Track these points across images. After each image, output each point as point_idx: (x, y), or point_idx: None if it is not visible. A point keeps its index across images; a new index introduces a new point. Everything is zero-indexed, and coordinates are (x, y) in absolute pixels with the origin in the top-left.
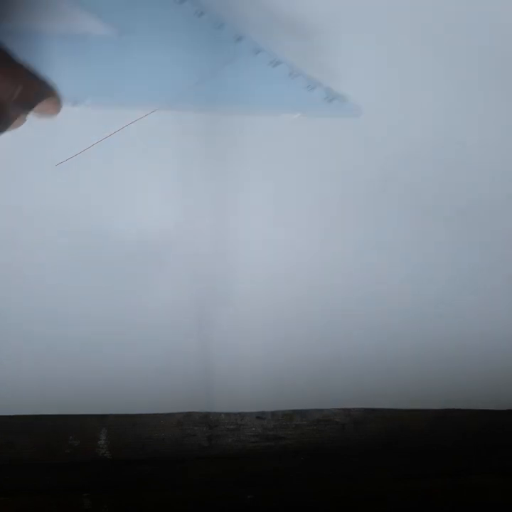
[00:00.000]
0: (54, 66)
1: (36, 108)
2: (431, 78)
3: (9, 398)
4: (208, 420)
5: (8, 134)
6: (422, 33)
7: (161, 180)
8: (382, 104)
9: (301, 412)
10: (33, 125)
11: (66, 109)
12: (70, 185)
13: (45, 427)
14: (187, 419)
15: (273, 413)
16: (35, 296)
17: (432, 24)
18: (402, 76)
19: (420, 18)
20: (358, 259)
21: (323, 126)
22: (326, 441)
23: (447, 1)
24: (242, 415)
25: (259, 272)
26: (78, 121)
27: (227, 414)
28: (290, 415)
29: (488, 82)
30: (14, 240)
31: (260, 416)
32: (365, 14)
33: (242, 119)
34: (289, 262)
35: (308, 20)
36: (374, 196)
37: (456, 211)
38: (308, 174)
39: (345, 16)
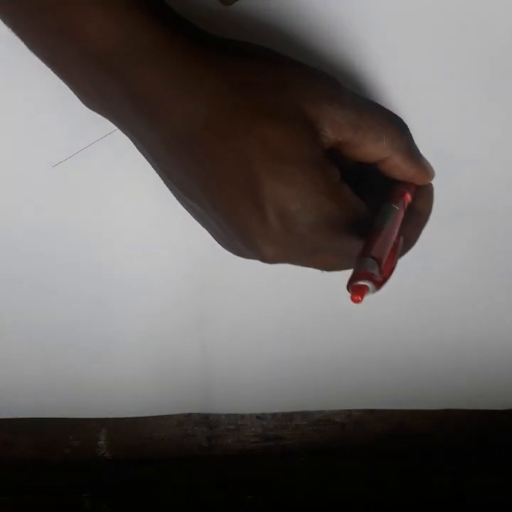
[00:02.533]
0: None
1: None
2: (431, 77)
3: (9, 401)
4: (207, 421)
5: (4, 135)
6: (421, 33)
7: (160, 180)
8: (381, 103)
9: (301, 412)
10: (28, 125)
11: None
12: (64, 186)
13: (45, 427)
14: (187, 419)
15: (273, 413)
16: (35, 299)
17: (431, 25)
18: (402, 75)
19: (420, 19)
20: None
21: None
22: (327, 442)
23: (452, 3)
24: (242, 415)
25: (258, 272)
26: (75, 122)
27: (227, 414)
28: (290, 415)
29: (488, 81)
30: (13, 243)
31: (260, 416)
32: (365, 15)
33: None
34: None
35: (310, 23)
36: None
37: (456, 212)
38: None
39: (346, 18)
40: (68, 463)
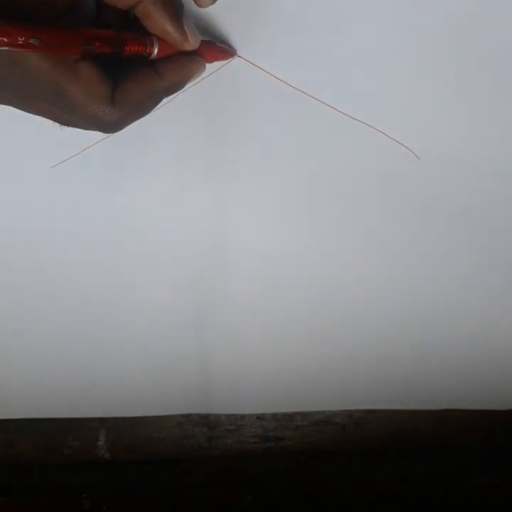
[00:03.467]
0: None
1: None
2: (431, 77)
3: (10, 402)
4: (207, 421)
5: (5, 135)
6: (416, 25)
7: (159, 180)
8: (381, 105)
9: (301, 412)
10: (28, 126)
11: None
12: (67, 185)
13: (45, 427)
14: (187, 420)
15: (273, 413)
16: (35, 301)
17: (432, 24)
18: (401, 74)
19: (421, 18)
20: (358, 260)
21: (322, 126)
22: (327, 442)
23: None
24: (242, 415)
25: (258, 273)
26: None
27: (227, 414)
28: (290, 416)
29: (487, 82)
30: (13, 241)
31: (260, 417)
32: (367, 17)
33: (241, 118)
34: (288, 262)
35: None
36: (374, 196)
37: (456, 211)
38: (308, 175)
39: (346, 18)
40: (68, 463)
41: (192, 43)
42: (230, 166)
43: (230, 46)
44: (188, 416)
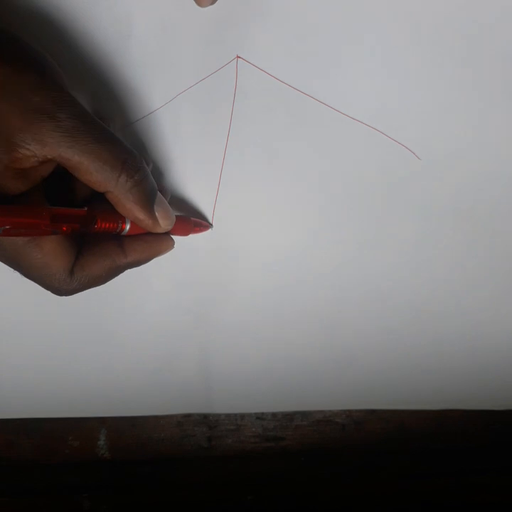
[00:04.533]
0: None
1: None
2: (430, 77)
3: (10, 402)
4: (207, 421)
5: None
6: (417, 26)
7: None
8: (381, 105)
9: (301, 412)
10: None
11: None
12: None
13: (45, 427)
14: (187, 419)
15: (273, 413)
16: (35, 301)
17: (434, 24)
18: (402, 74)
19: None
20: (358, 260)
21: (322, 127)
22: (327, 442)
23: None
24: (242, 415)
25: (259, 273)
26: None
27: (227, 414)
28: (290, 416)
29: (488, 82)
30: None
31: (260, 416)
32: (365, 13)
33: (241, 118)
34: (288, 263)
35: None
36: (375, 197)
37: (457, 211)
38: (308, 176)
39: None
40: (68, 463)
41: (164, 227)
42: (230, 166)
43: (205, 219)
44: (188, 416)
